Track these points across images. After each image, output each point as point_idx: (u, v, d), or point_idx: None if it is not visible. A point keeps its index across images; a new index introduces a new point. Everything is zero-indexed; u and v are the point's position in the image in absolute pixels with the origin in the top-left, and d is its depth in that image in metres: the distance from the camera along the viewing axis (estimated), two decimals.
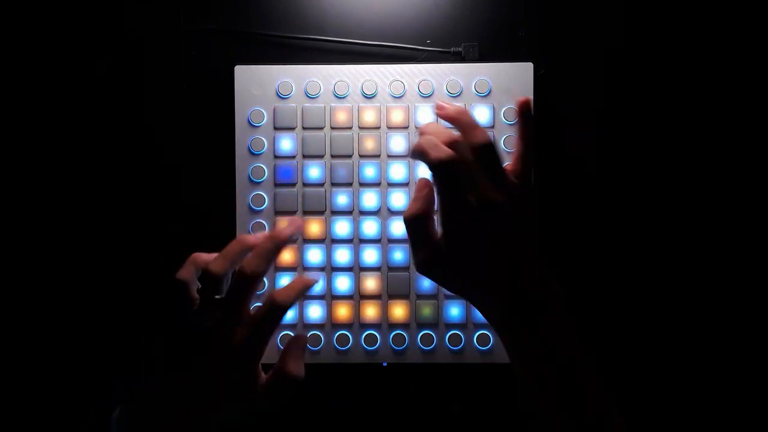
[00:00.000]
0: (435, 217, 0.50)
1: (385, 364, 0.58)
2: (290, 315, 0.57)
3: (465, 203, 0.47)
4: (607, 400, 0.47)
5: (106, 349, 0.60)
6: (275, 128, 0.58)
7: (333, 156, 0.58)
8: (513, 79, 0.58)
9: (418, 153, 0.49)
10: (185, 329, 0.48)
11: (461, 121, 0.50)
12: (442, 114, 0.51)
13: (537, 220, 0.49)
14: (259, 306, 0.49)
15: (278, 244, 0.50)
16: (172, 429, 0.48)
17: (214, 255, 0.50)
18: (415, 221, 0.49)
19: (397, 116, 0.58)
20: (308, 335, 0.57)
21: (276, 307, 0.48)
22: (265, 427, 0.59)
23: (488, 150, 0.48)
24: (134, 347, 0.60)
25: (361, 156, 0.58)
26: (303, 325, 0.58)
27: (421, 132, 0.50)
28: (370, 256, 0.58)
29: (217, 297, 0.49)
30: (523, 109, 0.51)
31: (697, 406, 0.60)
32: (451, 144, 0.48)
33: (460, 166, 0.48)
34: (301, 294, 0.50)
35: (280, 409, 0.49)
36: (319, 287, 0.58)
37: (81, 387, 0.60)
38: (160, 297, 0.55)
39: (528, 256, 0.49)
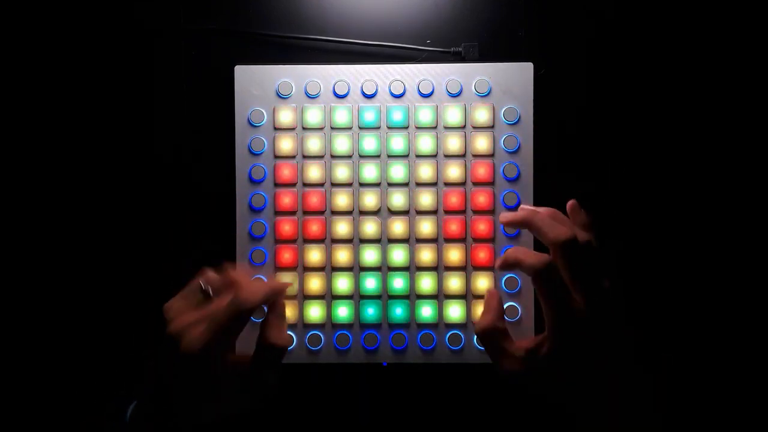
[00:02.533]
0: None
1: (385, 364, 0.58)
2: (290, 315, 0.57)
3: (573, 309, 0.46)
4: None
5: (105, 348, 0.60)
6: (275, 128, 0.58)
7: (333, 156, 0.58)
8: (513, 79, 0.58)
9: (509, 264, 0.48)
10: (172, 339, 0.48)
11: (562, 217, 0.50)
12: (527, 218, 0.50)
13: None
14: (220, 310, 0.48)
15: (277, 289, 0.50)
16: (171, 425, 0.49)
17: (239, 271, 0.51)
18: (490, 334, 0.49)
19: (398, 116, 0.58)
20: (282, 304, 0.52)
21: (238, 312, 0.47)
22: (266, 426, 0.59)
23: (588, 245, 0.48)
24: (139, 349, 0.60)
25: (361, 156, 0.58)
26: (303, 324, 0.58)
27: (526, 221, 0.49)
28: (370, 256, 0.58)
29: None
30: (575, 210, 0.52)
31: (699, 406, 0.60)
32: (568, 241, 0.47)
33: (558, 270, 0.47)
34: (267, 296, 0.49)
35: (275, 390, 0.50)
36: (294, 290, 0.57)
37: (81, 387, 0.60)
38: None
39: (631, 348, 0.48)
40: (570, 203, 0.52)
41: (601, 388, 0.48)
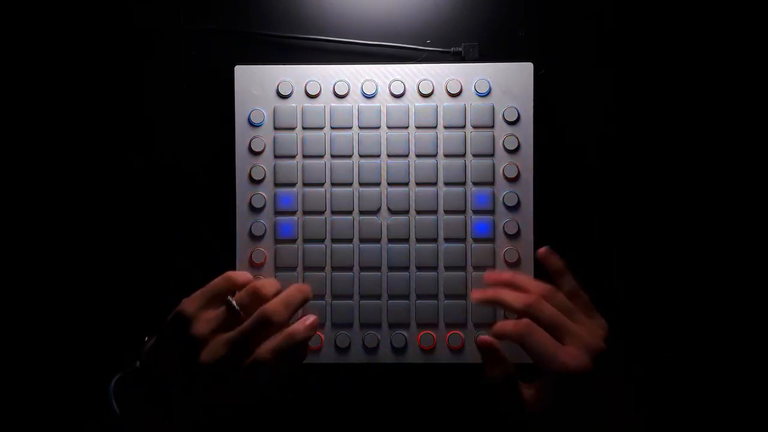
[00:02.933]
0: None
1: (385, 364, 0.58)
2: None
3: (565, 361, 0.46)
4: None
5: (105, 348, 0.60)
6: (275, 128, 0.58)
7: (333, 156, 0.58)
8: (513, 79, 0.58)
9: (499, 333, 0.49)
10: (191, 350, 0.48)
11: (516, 282, 0.52)
12: (492, 280, 0.53)
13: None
14: (246, 322, 0.49)
15: (305, 297, 0.52)
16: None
17: (265, 283, 0.51)
18: (503, 386, 0.49)
19: (397, 116, 0.58)
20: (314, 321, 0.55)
21: (265, 325, 0.48)
22: (266, 426, 0.59)
23: (556, 297, 0.49)
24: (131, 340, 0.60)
25: (361, 156, 0.58)
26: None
27: (496, 300, 0.51)
28: (370, 256, 0.58)
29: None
30: (548, 261, 0.53)
31: (698, 406, 0.60)
32: (532, 304, 0.49)
33: (538, 330, 0.48)
34: (296, 310, 0.51)
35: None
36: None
37: (80, 386, 0.60)
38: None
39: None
40: (540, 251, 0.54)
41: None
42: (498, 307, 0.53)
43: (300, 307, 0.52)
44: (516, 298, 0.50)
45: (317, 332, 0.57)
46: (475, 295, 0.54)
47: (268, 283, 0.52)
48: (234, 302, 0.50)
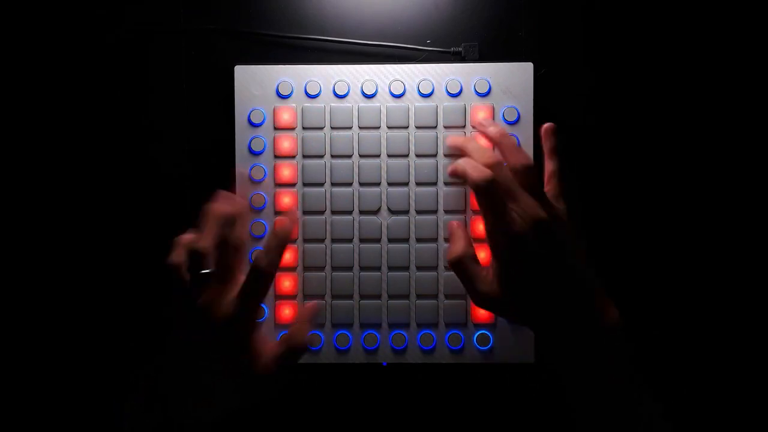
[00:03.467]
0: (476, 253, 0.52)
1: (385, 364, 0.58)
2: (289, 314, 0.57)
3: (510, 224, 0.48)
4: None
5: (104, 348, 0.60)
6: (275, 128, 0.58)
7: (333, 156, 0.58)
8: (513, 79, 0.58)
9: (458, 173, 0.51)
10: (184, 310, 0.50)
11: (503, 144, 0.52)
12: (484, 133, 0.54)
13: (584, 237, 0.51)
14: (244, 279, 0.50)
15: (284, 238, 0.52)
16: (178, 411, 0.49)
17: (195, 234, 0.51)
18: (460, 262, 0.51)
19: (398, 116, 0.58)
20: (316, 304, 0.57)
21: (261, 274, 0.50)
22: (266, 426, 0.59)
23: (530, 171, 0.50)
24: (131, 343, 0.60)
25: (361, 156, 0.58)
26: None
27: (461, 148, 0.53)
28: (370, 256, 0.58)
29: (204, 271, 0.50)
30: (548, 136, 0.54)
31: (698, 405, 0.60)
32: (492, 165, 0.50)
33: (500, 187, 0.49)
34: (282, 250, 0.51)
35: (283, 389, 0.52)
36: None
37: (82, 382, 0.60)
38: (161, 288, 0.55)
39: (585, 273, 0.50)
40: (545, 126, 0.55)
41: (554, 312, 0.49)
42: (462, 154, 0.54)
43: (283, 248, 0.52)
44: (484, 154, 0.51)
45: (317, 333, 0.57)
46: (450, 139, 0.56)
47: (207, 235, 0.52)
48: (207, 271, 0.50)
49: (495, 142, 0.54)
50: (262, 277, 0.50)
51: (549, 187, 0.53)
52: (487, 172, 0.49)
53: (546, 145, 0.55)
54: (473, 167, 0.50)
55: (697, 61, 0.60)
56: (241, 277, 0.50)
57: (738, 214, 0.60)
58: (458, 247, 0.52)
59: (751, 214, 0.60)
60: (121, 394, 0.51)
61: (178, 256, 0.50)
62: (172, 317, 0.51)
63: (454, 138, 0.56)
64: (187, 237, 0.52)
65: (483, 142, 0.56)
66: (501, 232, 0.49)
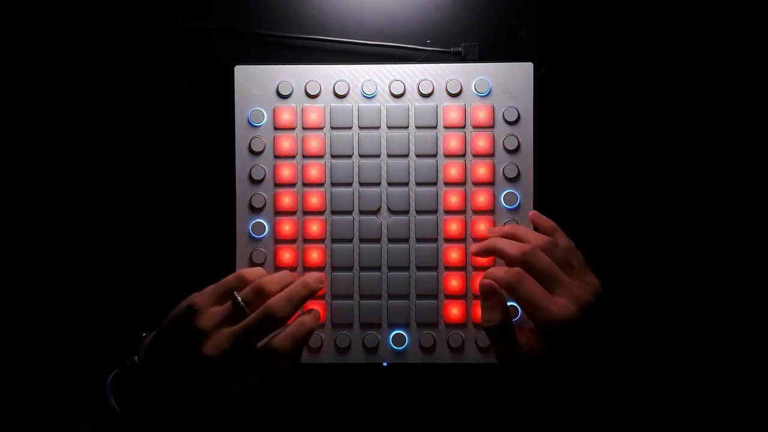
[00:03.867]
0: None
1: (385, 364, 0.58)
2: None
3: (554, 311, 0.47)
4: None
5: (104, 348, 0.60)
6: (275, 128, 0.58)
7: (333, 156, 0.58)
8: (513, 79, 0.58)
9: (487, 286, 0.50)
10: (194, 345, 0.48)
11: (516, 234, 0.53)
12: (495, 233, 0.55)
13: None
14: (250, 316, 0.49)
15: (310, 292, 0.52)
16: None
17: (270, 280, 0.51)
18: (499, 331, 0.49)
19: (398, 116, 0.58)
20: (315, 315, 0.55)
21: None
22: (266, 426, 0.59)
23: (554, 247, 0.50)
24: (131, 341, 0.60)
25: (361, 156, 0.58)
26: None
27: (492, 249, 0.53)
28: (370, 256, 0.58)
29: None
30: (536, 217, 0.56)
31: (697, 405, 0.60)
32: (528, 253, 0.50)
33: (540, 269, 0.49)
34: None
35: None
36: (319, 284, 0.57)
37: (81, 383, 0.60)
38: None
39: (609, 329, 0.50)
40: (530, 214, 0.55)
41: (586, 385, 0.49)
42: (495, 255, 0.53)
43: (304, 302, 0.52)
44: (512, 246, 0.51)
45: (317, 332, 0.57)
46: (474, 247, 0.55)
47: (272, 280, 0.52)
48: (239, 298, 0.50)
49: (508, 237, 0.53)
50: (272, 323, 0.49)
51: (572, 260, 0.52)
52: (514, 271, 0.49)
53: (542, 229, 0.54)
54: (510, 244, 0.50)
55: (697, 61, 0.60)
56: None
57: (738, 214, 0.60)
58: (494, 315, 0.49)
59: (751, 212, 0.60)
60: (114, 382, 0.50)
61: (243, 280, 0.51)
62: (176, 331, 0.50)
63: (485, 245, 0.54)
64: (252, 273, 0.52)
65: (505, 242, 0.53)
66: (544, 322, 0.47)
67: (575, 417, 0.50)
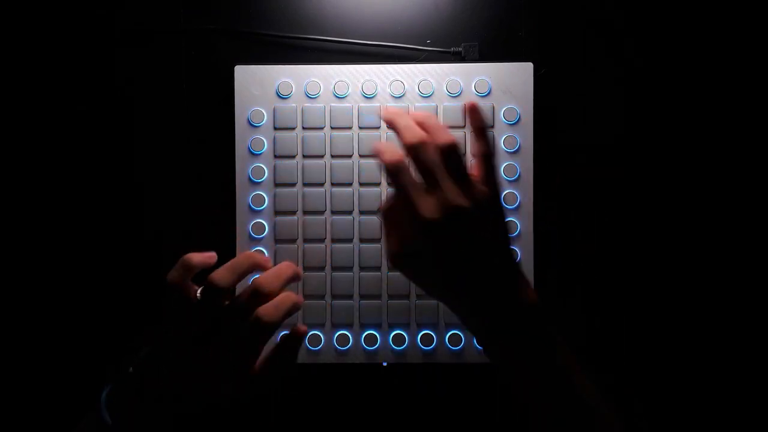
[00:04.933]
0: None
1: (385, 364, 0.58)
2: None
3: (423, 209, 0.47)
4: (599, 398, 0.48)
5: (104, 348, 0.60)
6: (275, 128, 0.58)
7: (333, 156, 0.58)
8: (513, 79, 0.58)
9: (375, 153, 0.49)
10: (176, 336, 0.48)
11: (426, 124, 0.50)
12: (413, 118, 0.51)
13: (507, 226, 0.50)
14: (242, 327, 0.49)
15: (296, 273, 0.52)
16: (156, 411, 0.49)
17: (207, 255, 0.51)
18: (389, 213, 0.49)
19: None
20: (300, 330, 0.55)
21: (263, 327, 0.48)
22: (266, 426, 0.59)
23: (453, 152, 0.48)
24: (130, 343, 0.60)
25: (361, 156, 0.58)
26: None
27: (391, 122, 0.50)
28: (370, 255, 0.58)
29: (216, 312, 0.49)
30: (472, 116, 0.51)
31: (696, 405, 0.60)
32: (414, 145, 0.48)
33: (421, 168, 0.48)
34: (290, 314, 0.50)
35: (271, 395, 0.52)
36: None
37: (76, 383, 0.60)
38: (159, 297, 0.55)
39: (503, 263, 0.48)
40: (468, 104, 0.52)
41: (470, 293, 0.48)
42: (393, 130, 0.51)
43: (290, 282, 0.51)
44: (409, 131, 0.49)
45: (317, 332, 0.57)
46: (384, 112, 0.53)
47: (226, 272, 0.50)
48: (199, 295, 0.49)
49: (419, 123, 0.50)
50: (263, 330, 0.48)
51: (476, 171, 0.50)
52: (397, 156, 0.48)
53: (471, 125, 0.51)
54: (387, 148, 0.49)
55: (697, 61, 0.60)
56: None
57: (738, 213, 0.60)
58: (390, 199, 0.49)
59: (751, 210, 0.60)
60: (108, 385, 0.50)
61: (179, 276, 0.50)
62: (158, 330, 0.50)
63: (389, 111, 0.52)
64: (196, 258, 0.51)
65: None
66: (411, 216, 0.47)
67: (475, 334, 0.50)
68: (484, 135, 0.50)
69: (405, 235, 0.48)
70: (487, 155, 0.49)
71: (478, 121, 0.51)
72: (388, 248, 0.49)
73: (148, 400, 0.48)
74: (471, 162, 0.57)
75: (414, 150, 0.48)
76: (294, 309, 0.50)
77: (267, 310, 0.49)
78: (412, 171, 0.48)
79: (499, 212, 0.49)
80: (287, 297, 0.50)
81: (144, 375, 0.49)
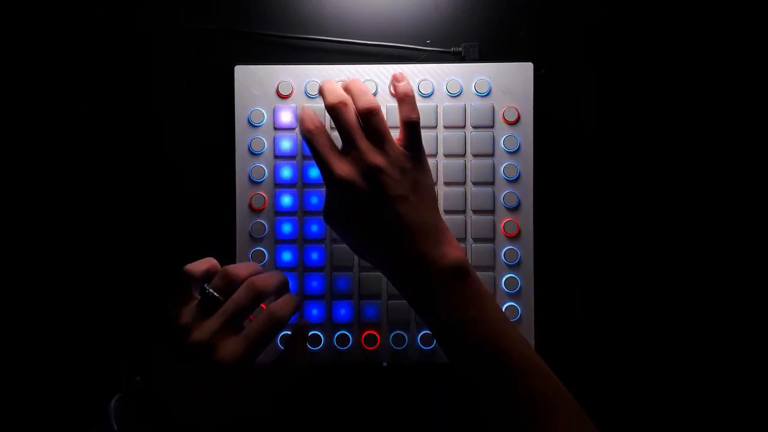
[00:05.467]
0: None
1: (385, 364, 0.58)
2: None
3: (337, 168, 0.50)
4: (531, 353, 0.48)
5: (104, 346, 0.60)
6: (275, 128, 0.58)
7: None
8: (513, 79, 0.58)
9: (298, 122, 0.53)
10: (180, 332, 0.48)
11: (351, 88, 0.53)
12: (342, 84, 0.54)
13: (434, 182, 0.53)
14: (256, 321, 0.49)
15: (283, 281, 0.53)
16: (163, 423, 0.48)
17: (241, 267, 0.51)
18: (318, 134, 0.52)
19: (398, 116, 0.58)
20: (308, 324, 0.57)
21: (275, 323, 0.49)
22: (266, 426, 0.59)
23: (371, 115, 0.51)
24: (133, 343, 0.60)
25: None
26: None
27: (319, 88, 0.54)
28: None
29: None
30: (394, 83, 0.54)
31: (696, 405, 0.60)
32: (336, 105, 0.51)
33: (340, 128, 0.51)
34: (295, 311, 0.51)
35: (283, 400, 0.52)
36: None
37: (78, 382, 0.60)
38: (164, 287, 0.55)
39: (422, 220, 0.49)
40: (394, 73, 0.55)
41: (387, 249, 0.50)
42: (319, 94, 0.54)
43: (279, 287, 0.52)
44: (331, 93, 0.52)
45: (317, 332, 0.57)
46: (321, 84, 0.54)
47: (240, 267, 0.51)
48: (211, 290, 0.49)
49: (344, 87, 0.53)
50: (277, 327, 0.49)
51: (400, 135, 0.52)
52: (312, 122, 0.51)
53: (394, 91, 0.54)
54: (307, 115, 0.52)
55: (697, 61, 0.60)
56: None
57: (739, 212, 0.60)
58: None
59: (752, 210, 0.60)
60: (110, 392, 0.50)
61: (199, 269, 0.50)
62: (162, 325, 0.50)
63: (323, 81, 0.55)
64: (214, 264, 0.51)
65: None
66: (325, 177, 0.51)
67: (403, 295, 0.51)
68: (406, 101, 0.53)
69: (327, 194, 0.51)
70: (409, 120, 0.52)
71: (400, 87, 0.53)
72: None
73: (157, 410, 0.48)
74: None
75: (334, 110, 0.51)
76: (296, 309, 0.51)
77: (278, 305, 0.50)
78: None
79: (420, 171, 0.51)
80: (292, 297, 0.52)
81: (152, 383, 0.48)
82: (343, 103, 0.51)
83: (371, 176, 0.49)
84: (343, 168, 0.50)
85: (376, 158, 0.50)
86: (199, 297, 0.49)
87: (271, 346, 0.51)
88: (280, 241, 0.58)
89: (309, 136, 0.51)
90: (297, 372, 0.51)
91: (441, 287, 0.48)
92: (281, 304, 0.50)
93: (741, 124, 0.60)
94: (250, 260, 0.57)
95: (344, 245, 0.57)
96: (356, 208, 0.50)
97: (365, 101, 0.51)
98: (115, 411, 0.48)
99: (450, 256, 0.49)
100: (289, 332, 0.56)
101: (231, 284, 0.50)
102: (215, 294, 0.49)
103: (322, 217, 0.53)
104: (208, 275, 0.50)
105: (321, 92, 0.53)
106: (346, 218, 0.51)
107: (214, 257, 0.52)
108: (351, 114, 0.51)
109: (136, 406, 0.48)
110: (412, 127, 0.52)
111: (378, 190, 0.49)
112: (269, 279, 0.51)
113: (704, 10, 0.60)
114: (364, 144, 0.50)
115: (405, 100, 0.53)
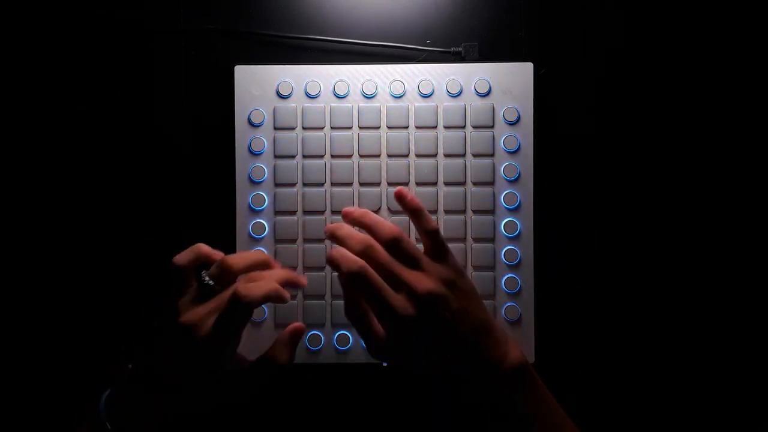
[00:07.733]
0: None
1: (385, 364, 0.58)
2: (288, 314, 0.57)
3: (395, 308, 0.48)
4: None
5: (104, 346, 0.60)
6: (275, 128, 0.58)
7: (333, 156, 0.58)
8: (513, 79, 0.58)
9: (331, 264, 0.50)
10: (171, 317, 0.49)
11: (365, 222, 0.51)
12: (348, 218, 0.53)
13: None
14: (219, 296, 0.49)
15: (278, 291, 0.50)
16: (149, 410, 0.49)
17: (219, 253, 0.52)
18: (355, 316, 0.50)
19: (398, 116, 0.58)
20: (301, 326, 0.55)
21: (240, 305, 0.48)
22: (266, 426, 0.59)
23: (399, 242, 0.50)
24: (131, 331, 0.60)
25: (361, 156, 0.58)
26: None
27: (332, 235, 0.51)
28: None
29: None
30: (402, 200, 0.52)
31: (696, 405, 0.60)
32: (363, 249, 0.49)
33: (378, 269, 0.49)
34: (270, 298, 0.48)
35: (261, 394, 0.54)
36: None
37: (71, 375, 0.60)
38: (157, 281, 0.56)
39: (486, 328, 0.50)
40: (396, 191, 0.53)
41: (451, 369, 0.50)
42: (337, 243, 0.52)
43: (258, 264, 0.51)
44: (354, 239, 0.50)
45: (317, 332, 0.57)
46: (326, 228, 0.53)
47: (238, 256, 0.51)
48: (206, 277, 0.50)
49: (357, 224, 0.52)
50: (242, 308, 0.47)
51: (426, 248, 0.52)
52: (357, 263, 0.48)
53: (405, 209, 0.53)
54: (343, 257, 0.49)
55: (698, 61, 0.60)
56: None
57: (739, 212, 0.60)
58: (349, 303, 0.50)
59: (753, 210, 0.60)
60: (100, 384, 0.51)
61: (186, 259, 0.50)
62: (158, 316, 0.51)
63: (328, 226, 0.52)
64: (204, 248, 0.51)
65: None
66: (384, 316, 0.49)
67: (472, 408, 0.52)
68: (421, 214, 0.52)
69: (386, 331, 0.50)
70: (430, 230, 0.51)
71: (409, 203, 0.52)
72: (369, 344, 0.50)
73: (147, 398, 0.48)
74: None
75: (364, 256, 0.49)
76: (275, 295, 0.49)
77: (245, 287, 0.48)
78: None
79: (459, 275, 0.51)
80: (269, 282, 0.49)
81: (142, 369, 0.49)
82: (370, 245, 0.49)
83: (431, 302, 0.49)
84: (403, 305, 0.48)
85: (427, 284, 0.49)
86: (196, 285, 0.50)
87: (260, 342, 0.51)
88: (280, 241, 0.58)
89: (358, 279, 0.48)
90: (278, 370, 0.50)
91: (508, 390, 0.50)
92: (250, 286, 0.48)
93: (741, 124, 0.60)
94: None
95: None
96: (426, 338, 0.49)
97: (388, 232, 0.50)
98: (107, 406, 0.49)
99: (511, 356, 0.51)
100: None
101: (225, 272, 0.50)
102: (209, 281, 0.49)
103: (373, 353, 0.50)
104: (200, 261, 0.51)
105: (336, 240, 0.51)
106: (414, 350, 0.50)
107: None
108: (380, 252, 0.50)
109: (127, 398, 0.49)
110: (435, 236, 0.51)
111: (437, 315, 0.49)
112: (241, 257, 0.51)
113: (704, 10, 0.60)
114: (408, 274, 0.49)
115: (418, 213, 0.52)
